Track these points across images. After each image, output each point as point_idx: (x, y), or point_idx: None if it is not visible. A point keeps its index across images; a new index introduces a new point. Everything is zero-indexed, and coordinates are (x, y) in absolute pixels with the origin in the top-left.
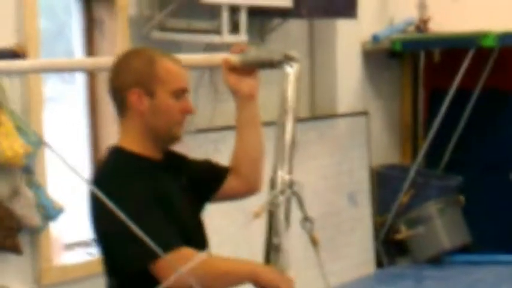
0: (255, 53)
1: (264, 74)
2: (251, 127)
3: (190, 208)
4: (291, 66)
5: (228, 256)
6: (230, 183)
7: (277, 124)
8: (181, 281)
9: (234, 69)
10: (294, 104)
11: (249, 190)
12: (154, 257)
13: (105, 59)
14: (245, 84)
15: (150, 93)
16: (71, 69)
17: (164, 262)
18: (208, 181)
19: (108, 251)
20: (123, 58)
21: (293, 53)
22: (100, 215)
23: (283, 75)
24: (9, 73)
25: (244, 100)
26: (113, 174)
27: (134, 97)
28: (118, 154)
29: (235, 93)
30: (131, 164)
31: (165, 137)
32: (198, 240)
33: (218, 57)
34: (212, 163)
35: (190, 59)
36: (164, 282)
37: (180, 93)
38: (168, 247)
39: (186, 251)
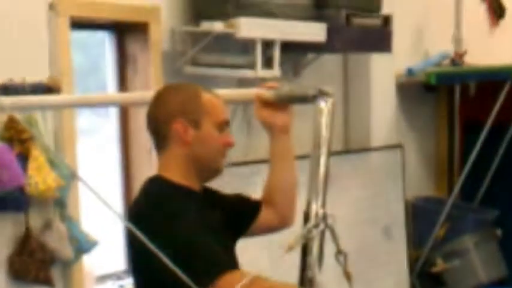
0: (288, 87)
1: (298, 108)
2: (285, 160)
3: (227, 243)
4: (325, 101)
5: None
6: (264, 216)
7: (311, 158)
8: None
9: (267, 104)
10: (328, 138)
11: (282, 223)
12: (217, 273)
13: (138, 94)
14: (278, 118)
15: (196, 124)
16: (103, 104)
17: (226, 280)
18: (242, 215)
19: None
20: (166, 90)
21: (327, 88)
22: (149, 244)
23: (316, 110)
24: (42, 108)
25: (277, 134)
26: (159, 201)
27: (179, 127)
28: (160, 183)
29: (268, 127)
30: (176, 192)
31: (209, 168)
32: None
33: (252, 91)
34: (245, 197)
35: (224, 93)
36: None
37: (223, 125)
38: (226, 266)
39: (245, 272)
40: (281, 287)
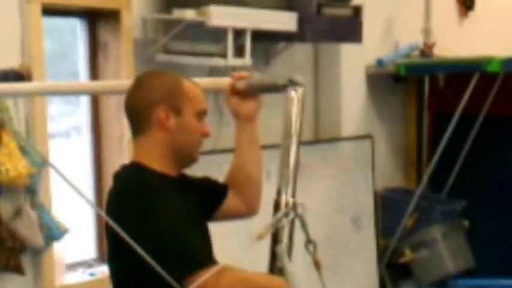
0: (259, 77)
1: (268, 97)
2: (250, 148)
3: (203, 228)
4: (295, 90)
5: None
6: (230, 202)
7: (281, 147)
8: None
9: (236, 92)
10: (298, 128)
11: (248, 211)
12: (191, 270)
13: (109, 83)
14: (246, 106)
15: (178, 111)
16: (75, 92)
17: (200, 276)
18: (210, 197)
19: (135, 265)
20: (148, 76)
21: (297, 77)
22: (128, 230)
23: (286, 99)
24: (13, 95)
25: (244, 122)
26: (139, 190)
27: (162, 113)
28: (139, 170)
29: (236, 115)
30: (155, 179)
31: (186, 156)
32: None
33: (223, 81)
34: (212, 180)
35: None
36: None
37: (202, 115)
38: (202, 263)
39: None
40: (250, 275)
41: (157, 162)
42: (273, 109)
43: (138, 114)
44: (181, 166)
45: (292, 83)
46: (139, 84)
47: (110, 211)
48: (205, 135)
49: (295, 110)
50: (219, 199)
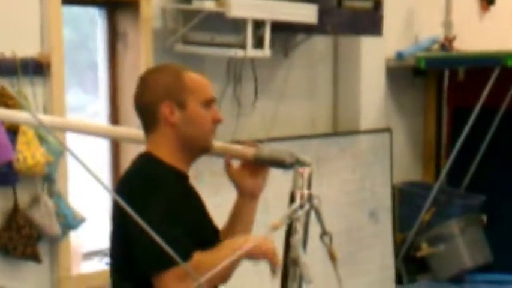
0: (268, 151)
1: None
2: (243, 223)
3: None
4: (303, 169)
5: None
6: None
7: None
8: None
9: (246, 165)
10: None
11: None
12: (161, 268)
13: (125, 130)
14: (250, 182)
15: (181, 105)
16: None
17: (169, 275)
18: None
19: (130, 251)
20: (149, 74)
21: (304, 157)
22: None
23: (294, 176)
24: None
25: (246, 197)
26: (144, 178)
27: (166, 110)
28: (151, 161)
29: (240, 188)
30: (163, 171)
31: (198, 146)
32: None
33: (235, 148)
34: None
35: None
36: None
37: (209, 103)
38: (172, 262)
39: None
40: (215, 253)
41: (169, 157)
42: (297, 99)
43: (146, 113)
44: (194, 156)
45: (299, 163)
46: (142, 83)
47: (118, 192)
48: (217, 121)
49: (303, 185)
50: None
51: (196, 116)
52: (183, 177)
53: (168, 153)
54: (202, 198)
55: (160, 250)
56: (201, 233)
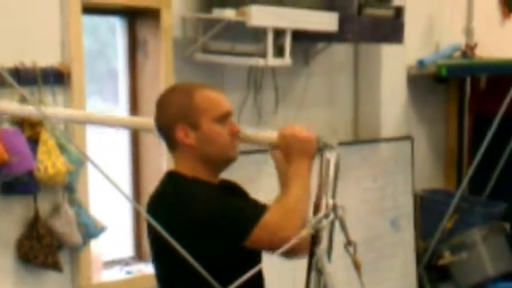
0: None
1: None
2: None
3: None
4: (330, 153)
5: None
6: None
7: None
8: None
9: None
10: (335, 189)
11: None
12: (248, 231)
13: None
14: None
15: (195, 125)
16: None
17: (257, 233)
18: None
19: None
20: (163, 96)
21: (331, 140)
22: (173, 226)
23: (322, 161)
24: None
25: (283, 163)
26: (177, 189)
27: (180, 133)
28: (177, 177)
29: (278, 167)
30: (194, 182)
31: (220, 161)
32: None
33: (262, 135)
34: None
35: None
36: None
37: (223, 118)
38: (253, 220)
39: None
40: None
41: (192, 172)
42: (318, 108)
43: (164, 135)
44: (218, 170)
45: (326, 146)
46: (157, 106)
47: (151, 214)
48: (234, 133)
49: (331, 172)
50: None
51: (211, 133)
52: (212, 184)
53: (191, 170)
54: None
55: (238, 218)
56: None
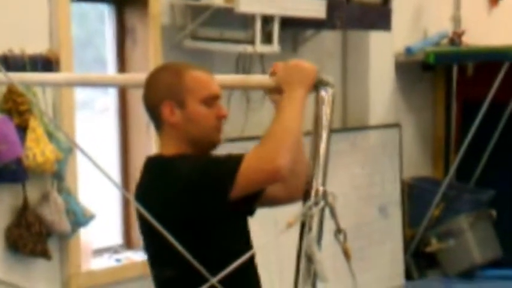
0: None
1: None
2: None
3: None
4: (326, 90)
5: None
6: (272, 188)
7: (312, 143)
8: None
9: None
10: (328, 127)
11: (289, 197)
12: (235, 168)
13: (137, 76)
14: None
15: (181, 104)
16: (103, 84)
17: (247, 164)
18: None
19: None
20: (152, 74)
21: (328, 77)
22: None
23: (317, 99)
24: (42, 85)
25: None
26: (163, 168)
27: (166, 110)
28: (160, 159)
29: (271, 99)
30: (177, 156)
31: (203, 143)
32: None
33: (254, 78)
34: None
35: (227, 79)
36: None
37: (210, 100)
38: (238, 157)
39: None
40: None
41: (178, 153)
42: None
43: (152, 114)
44: (203, 152)
45: (323, 83)
46: (146, 85)
47: (142, 200)
48: (221, 117)
49: (325, 110)
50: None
51: (197, 114)
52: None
53: (175, 150)
54: None
55: (225, 163)
56: None
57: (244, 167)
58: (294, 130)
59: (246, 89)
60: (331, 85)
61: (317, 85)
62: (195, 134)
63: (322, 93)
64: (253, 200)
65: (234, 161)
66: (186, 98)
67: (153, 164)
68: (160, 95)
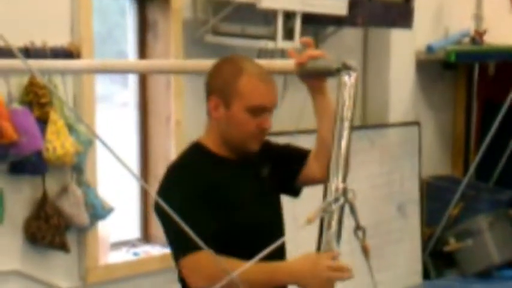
0: (312, 60)
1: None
2: (323, 117)
3: (264, 199)
4: (349, 75)
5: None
6: (308, 167)
7: (334, 131)
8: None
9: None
10: (351, 113)
11: (322, 177)
12: (182, 254)
13: (160, 62)
14: (313, 79)
15: (227, 104)
16: (128, 71)
17: (186, 262)
18: (289, 165)
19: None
20: (218, 63)
21: (351, 61)
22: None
23: (340, 83)
24: (65, 72)
25: (314, 92)
26: (175, 166)
27: (212, 104)
28: (193, 147)
29: (308, 87)
30: (197, 156)
31: (237, 146)
32: (265, 231)
33: (277, 63)
34: (292, 147)
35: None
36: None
37: (258, 110)
38: (190, 249)
39: (204, 255)
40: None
41: (214, 144)
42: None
43: (206, 98)
44: (236, 153)
45: (346, 68)
46: (212, 68)
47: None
48: (261, 129)
49: (348, 95)
50: (298, 165)
51: (238, 119)
52: (224, 162)
53: (214, 142)
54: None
55: (178, 238)
56: (234, 212)
57: (185, 266)
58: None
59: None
60: (354, 69)
61: (340, 70)
62: (230, 136)
63: (345, 78)
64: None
65: (187, 248)
66: (234, 101)
67: (190, 150)
68: (213, 87)
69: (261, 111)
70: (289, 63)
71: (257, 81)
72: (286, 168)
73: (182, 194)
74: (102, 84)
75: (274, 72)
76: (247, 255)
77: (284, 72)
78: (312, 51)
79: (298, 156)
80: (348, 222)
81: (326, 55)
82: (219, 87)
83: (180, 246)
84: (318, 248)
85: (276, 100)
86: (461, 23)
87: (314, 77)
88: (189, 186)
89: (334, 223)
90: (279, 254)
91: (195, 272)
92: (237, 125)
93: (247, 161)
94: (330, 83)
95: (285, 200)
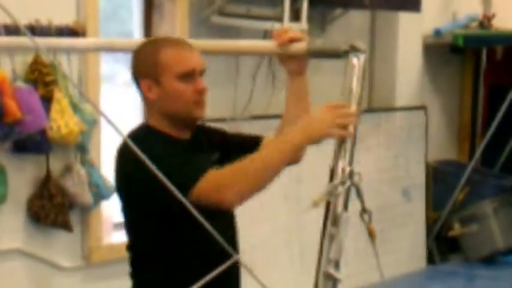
0: (320, 42)
1: (327, 64)
2: (299, 99)
3: None
4: (357, 56)
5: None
6: None
7: None
8: (224, 196)
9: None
10: (359, 95)
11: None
12: (192, 182)
13: None
14: (295, 61)
15: (157, 82)
16: (132, 49)
17: (204, 183)
18: (241, 151)
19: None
20: (137, 48)
21: (359, 43)
22: (131, 170)
23: (348, 65)
24: (71, 50)
25: (294, 74)
26: (140, 139)
27: (145, 87)
28: (144, 128)
29: (286, 69)
30: (151, 136)
31: (184, 118)
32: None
33: (258, 44)
34: (244, 135)
35: (249, 45)
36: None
37: (187, 75)
38: (200, 171)
39: (214, 170)
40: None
41: (162, 126)
42: (332, 74)
43: (136, 86)
44: (184, 127)
45: (354, 49)
46: (132, 57)
47: (117, 162)
48: (199, 92)
49: (356, 77)
50: (249, 151)
51: (172, 91)
52: (177, 143)
53: (159, 123)
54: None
55: (181, 170)
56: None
57: (201, 188)
58: (266, 176)
59: (251, 54)
60: (362, 51)
61: (348, 52)
62: (173, 111)
63: (354, 60)
64: None
65: (196, 171)
66: (161, 76)
67: (138, 131)
68: (139, 71)
69: (191, 75)
70: (271, 44)
71: (177, 50)
72: (237, 154)
73: (160, 150)
74: (105, 64)
75: (256, 53)
76: (204, 230)
77: (266, 53)
78: (293, 33)
79: (251, 143)
80: (352, 207)
81: (306, 37)
82: (144, 70)
83: (188, 175)
84: (323, 232)
85: (202, 61)
86: (469, 7)
87: (295, 59)
88: (159, 147)
89: (339, 206)
90: (230, 226)
91: (219, 185)
92: (174, 98)
93: (199, 141)
94: (337, 64)
95: (288, 184)
